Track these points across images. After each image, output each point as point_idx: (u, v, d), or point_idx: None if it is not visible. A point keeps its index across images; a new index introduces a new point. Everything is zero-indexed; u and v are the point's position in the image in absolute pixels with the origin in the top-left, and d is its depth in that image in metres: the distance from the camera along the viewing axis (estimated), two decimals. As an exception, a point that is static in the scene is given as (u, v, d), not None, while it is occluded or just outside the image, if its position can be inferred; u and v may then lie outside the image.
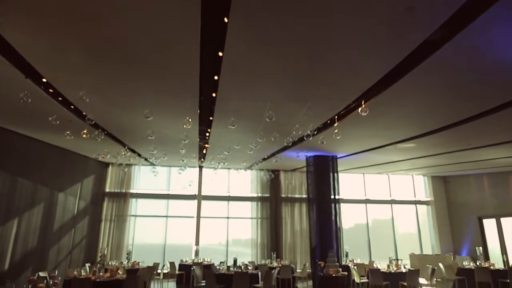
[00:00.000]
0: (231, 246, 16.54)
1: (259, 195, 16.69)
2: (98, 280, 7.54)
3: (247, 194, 16.89)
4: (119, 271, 8.35)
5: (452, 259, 15.79)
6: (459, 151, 10.73)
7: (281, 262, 13.13)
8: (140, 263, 11.90)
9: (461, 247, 17.29)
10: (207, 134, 8.59)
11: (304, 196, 16.95)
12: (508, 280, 11.30)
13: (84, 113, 7.09)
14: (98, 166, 14.77)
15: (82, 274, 8.01)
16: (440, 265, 13.52)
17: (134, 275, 7.96)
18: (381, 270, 10.36)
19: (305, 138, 6.27)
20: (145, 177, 16.48)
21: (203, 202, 16.36)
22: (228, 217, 16.61)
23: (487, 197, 16.11)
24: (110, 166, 15.47)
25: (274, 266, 12.34)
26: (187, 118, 5.66)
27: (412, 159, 12.61)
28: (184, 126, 5.70)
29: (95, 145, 10.33)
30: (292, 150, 10.96)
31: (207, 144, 9.42)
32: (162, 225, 15.96)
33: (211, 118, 7.21)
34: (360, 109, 5.50)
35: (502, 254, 15.27)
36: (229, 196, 16.83)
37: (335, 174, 11.34)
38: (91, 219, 14.10)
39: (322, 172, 11.26)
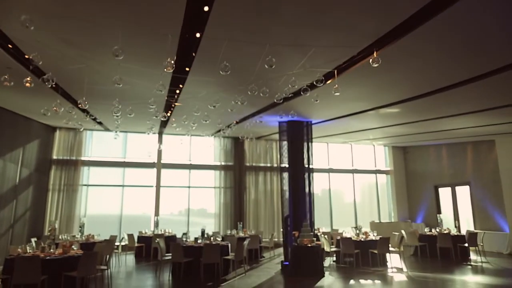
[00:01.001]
0: (192, 217, 15.84)
1: (223, 163, 15.97)
2: (48, 257, 6.53)
3: (210, 162, 16.09)
4: (73, 246, 7.35)
5: (411, 226, 16.31)
6: (434, 119, 10.63)
7: (247, 232, 12.70)
8: (95, 236, 10.86)
9: (416, 215, 17.94)
10: (179, 88, 7.54)
11: (269, 165, 16.50)
12: (466, 245, 11.73)
13: (27, 56, 5.82)
14: (43, 130, 13.14)
15: (28, 251, 6.92)
16: (403, 232, 13.83)
17: (92, 251, 7.02)
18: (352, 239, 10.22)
19: (302, 93, 5.52)
20: (98, 143, 15.06)
21: (163, 171, 15.35)
22: (189, 187, 15.79)
23: (444, 166, 16.62)
24: (58, 131, 13.86)
25: (242, 236, 11.88)
26: (168, 59, 4.64)
27: (386, 127, 12.41)
28: (165, 70, 4.68)
29: (39, 102, 8.90)
30: (267, 114, 10.23)
31: (176, 103, 8.39)
32: (117, 195, 14.81)
33: (187, 69, 6.21)
34: (371, 59, 4.84)
35: (455, 220, 15.97)
36: (190, 164, 15.94)
37: (309, 142, 10.83)
38: (36, 189, 12.64)
39: (296, 139, 10.68)
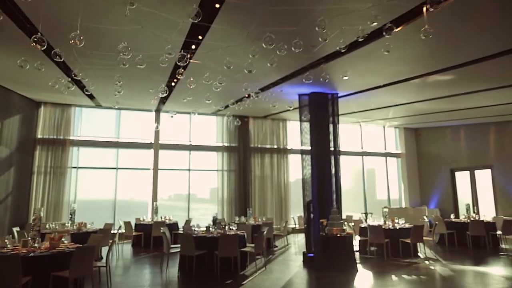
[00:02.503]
0: (193, 203, 14.55)
1: (226, 144, 14.62)
2: (32, 254, 5.17)
3: (212, 143, 14.73)
4: (63, 239, 5.99)
5: (426, 212, 15.31)
6: (480, 91, 9.47)
7: (258, 219, 11.49)
8: (88, 225, 9.50)
9: (428, 200, 16.96)
10: (192, 50, 6.17)
11: (275, 146, 15.23)
12: (500, 232, 10.72)
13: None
14: (25, 105, 11.57)
15: (7, 245, 5.54)
16: (425, 218, 12.79)
17: (86, 246, 5.68)
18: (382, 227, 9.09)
19: (384, 33, 4.21)
20: (88, 122, 13.54)
21: (161, 152, 13.94)
22: (189, 169, 14.45)
23: (462, 149, 15.57)
24: (42, 107, 12.28)
25: (253, 224, 10.67)
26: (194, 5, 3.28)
27: (416, 102, 11.12)
28: (189, 18, 3.32)
29: (18, 71, 7.40)
30: (289, 85, 8.89)
31: (184, 69, 6.96)
32: (111, 179, 13.40)
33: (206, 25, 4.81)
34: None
35: (473, 206, 15.03)
36: (190, 145, 14.55)
37: (336, 117, 9.46)
38: (18, 171, 11.14)
39: (320, 115, 9.32)
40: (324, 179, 8.61)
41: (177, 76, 8.02)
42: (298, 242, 12.44)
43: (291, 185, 15.22)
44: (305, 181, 8.98)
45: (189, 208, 14.26)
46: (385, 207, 11.19)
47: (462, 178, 15.68)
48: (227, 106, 12.17)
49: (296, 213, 14.64)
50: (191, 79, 7.05)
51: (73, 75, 6.79)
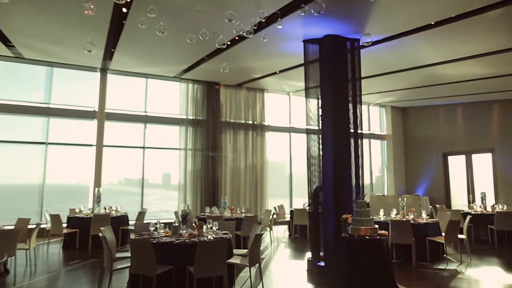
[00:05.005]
0: (148, 188, 11.66)
1: (191, 117, 11.79)
2: None
3: (174, 114, 11.82)
4: None
5: (419, 200, 13.54)
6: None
7: (237, 211, 8.91)
8: (-8, 222, 6.39)
9: (415, 187, 15.30)
10: None
11: (251, 122, 12.63)
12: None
13: None
14: None
15: None
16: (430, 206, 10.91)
17: None
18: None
19: None
20: (6, 79, 10.12)
21: (107, 124, 10.83)
22: (144, 147, 11.50)
23: (458, 130, 13.91)
24: None
25: (230, 217, 8.09)
26: None
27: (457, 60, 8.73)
28: None
29: None
30: (288, 20, 6.24)
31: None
32: (38, 156, 10.15)
33: None
34: None
35: (469, 194, 13.53)
36: (146, 115, 11.56)
37: (356, 81, 6.78)
38: None
39: (336, 74, 6.68)
40: (342, 161, 6.16)
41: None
42: (284, 238, 10.10)
43: (269, 168, 12.77)
44: (311, 163, 6.48)
45: (142, 195, 11.34)
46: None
47: (456, 163, 14.08)
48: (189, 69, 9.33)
49: (273, 201, 12.27)
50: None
51: None
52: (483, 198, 9.99)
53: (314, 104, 6.87)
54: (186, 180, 11.55)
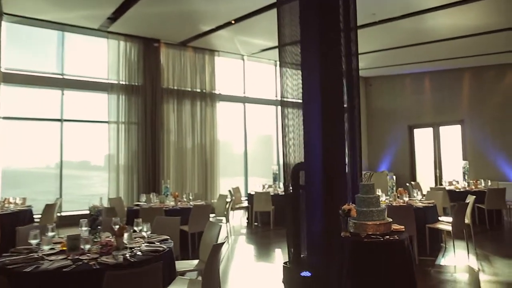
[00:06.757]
0: (69, 169, 9.21)
1: (123, 82, 9.41)
2: None
3: (101, 78, 9.34)
4: None
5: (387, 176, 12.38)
6: None
7: (183, 198, 6.87)
8: None
9: (378, 163, 14.23)
10: None
11: (199, 90, 10.51)
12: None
13: None
14: None
15: None
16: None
17: None
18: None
19: None
20: None
21: (6, 89, 8.13)
22: (62, 120, 8.97)
23: (426, 101, 12.86)
24: None
25: (174, 207, 6.09)
26: None
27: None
28: None
29: None
30: None
31: None
32: None
33: None
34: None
35: (436, 169, 12.67)
36: (63, 78, 8.98)
37: (350, 27, 4.80)
38: None
39: (324, 13, 4.64)
40: (333, 133, 4.33)
41: None
42: (242, 228, 8.34)
43: (221, 144, 10.82)
44: (287, 136, 4.59)
45: (61, 179, 8.87)
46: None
47: (422, 136, 13.11)
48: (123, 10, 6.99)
49: (226, 181, 10.46)
50: None
51: None
52: (465, 173, 8.89)
53: (292, 60, 4.93)
54: (118, 160, 9.26)
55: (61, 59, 9.03)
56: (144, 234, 3.42)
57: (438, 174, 12.58)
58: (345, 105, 4.62)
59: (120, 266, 2.65)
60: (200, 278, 3.08)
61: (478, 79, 11.73)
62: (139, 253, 2.98)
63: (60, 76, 8.93)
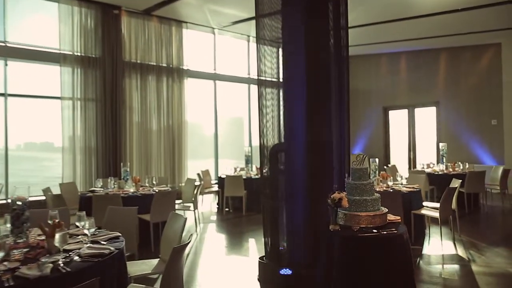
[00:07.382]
0: (16, 151, 8.19)
1: (78, 54, 8.36)
2: None
3: (52, 48, 8.26)
4: None
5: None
6: None
7: (145, 184, 6.11)
8: None
9: (352, 145, 13.93)
10: None
11: (165, 64, 9.61)
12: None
13: None
14: None
15: None
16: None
17: None
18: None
19: None
20: None
21: None
22: (6, 94, 7.87)
23: (401, 82, 12.57)
24: None
25: (135, 193, 5.36)
26: None
27: None
28: None
29: None
30: None
31: None
32: None
33: None
34: None
35: (410, 152, 12.51)
36: (6, 46, 7.83)
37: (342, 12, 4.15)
38: None
39: None
40: (318, 112, 3.74)
41: None
42: (212, 214, 7.73)
43: (189, 124, 10.05)
44: (262, 111, 3.95)
45: (7, 163, 7.86)
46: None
47: (397, 118, 12.87)
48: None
49: (194, 163, 9.78)
50: None
51: None
52: (443, 156, 8.63)
53: (271, 34, 4.24)
54: (74, 141, 8.31)
55: (2, 24, 7.86)
56: (89, 231, 2.72)
57: (412, 157, 12.44)
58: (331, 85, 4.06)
59: (45, 281, 1.96)
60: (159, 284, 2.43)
61: (454, 60, 11.51)
62: (76, 257, 2.29)
63: (3, 44, 7.79)
